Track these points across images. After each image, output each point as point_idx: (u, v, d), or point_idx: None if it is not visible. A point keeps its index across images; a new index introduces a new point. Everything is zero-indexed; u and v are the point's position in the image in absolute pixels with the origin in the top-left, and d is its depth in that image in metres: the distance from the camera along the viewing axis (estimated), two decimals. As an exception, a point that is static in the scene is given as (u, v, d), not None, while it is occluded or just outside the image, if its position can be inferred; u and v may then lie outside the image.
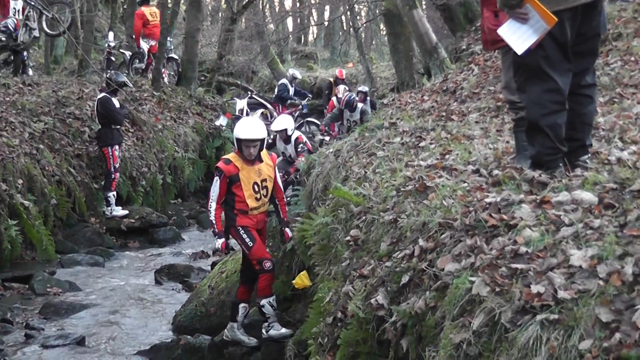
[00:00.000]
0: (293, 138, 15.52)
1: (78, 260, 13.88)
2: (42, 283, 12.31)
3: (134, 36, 23.48)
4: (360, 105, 19.64)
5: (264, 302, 9.08)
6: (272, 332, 8.99)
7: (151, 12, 23.15)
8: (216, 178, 9.17)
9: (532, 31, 5.24)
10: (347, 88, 21.20)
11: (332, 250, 7.30)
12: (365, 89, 22.30)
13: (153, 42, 22.99)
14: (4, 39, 18.35)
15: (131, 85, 16.56)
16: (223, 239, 9.22)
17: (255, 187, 9.15)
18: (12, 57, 20.44)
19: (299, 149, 15.29)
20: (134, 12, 23.93)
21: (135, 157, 17.57)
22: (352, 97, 19.74)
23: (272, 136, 15.43)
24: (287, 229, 9.38)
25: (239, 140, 9.07)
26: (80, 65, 22.88)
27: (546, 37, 5.24)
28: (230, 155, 9.31)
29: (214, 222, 9.18)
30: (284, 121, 15.83)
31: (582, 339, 3.33)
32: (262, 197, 9.22)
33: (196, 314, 10.41)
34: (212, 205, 9.18)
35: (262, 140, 9.14)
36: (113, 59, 23.36)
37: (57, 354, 9.54)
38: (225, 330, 9.29)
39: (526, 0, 5.21)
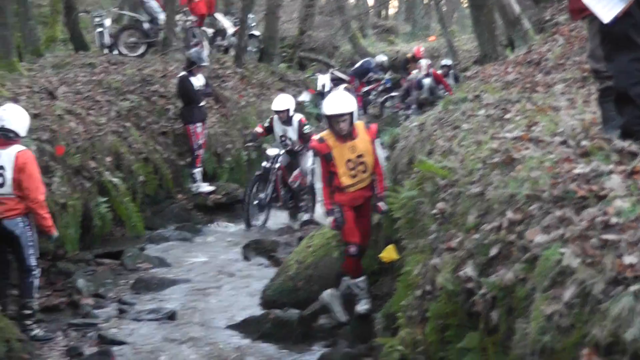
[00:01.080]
0: (295, 120, 14.76)
1: (166, 237, 14.12)
2: (133, 259, 12.60)
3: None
4: (426, 82, 19.45)
5: (349, 282, 9.18)
6: (357, 307, 9.09)
7: None
8: (315, 157, 9.23)
9: None
10: (429, 62, 20.92)
11: (419, 224, 7.31)
12: (449, 62, 22.14)
13: (194, 18, 22.88)
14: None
15: (207, 63, 16.56)
16: (332, 217, 9.29)
17: (350, 164, 9.12)
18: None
19: (305, 130, 14.60)
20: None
21: (219, 133, 17.78)
22: (419, 79, 19.58)
23: (269, 118, 15.22)
24: (380, 203, 9.21)
25: (327, 117, 9.11)
26: (164, 43, 23.12)
27: (634, 4, 5.15)
28: (324, 134, 9.32)
29: (322, 201, 9.26)
30: (286, 101, 14.91)
31: (676, 309, 3.31)
32: (360, 173, 9.17)
33: (284, 288, 10.51)
34: (318, 184, 9.31)
35: (351, 113, 9.07)
36: (195, 36, 23.50)
37: (149, 328, 9.74)
38: (325, 293, 9.39)
39: None
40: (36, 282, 9.27)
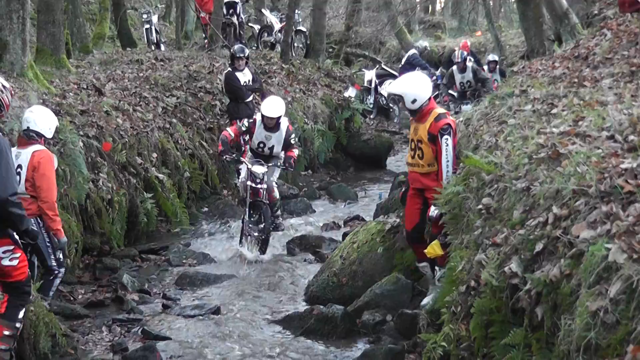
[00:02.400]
0: (283, 126, 12.71)
1: (212, 232, 14.16)
2: (178, 255, 12.66)
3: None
4: (469, 64, 19.25)
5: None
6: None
7: None
8: None
9: None
10: (465, 54, 20.57)
11: (464, 219, 7.28)
12: (495, 57, 21.92)
13: (203, 14, 22.86)
14: None
15: (246, 54, 16.41)
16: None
17: (412, 144, 9.12)
18: None
19: (291, 140, 12.81)
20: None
21: (266, 129, 17.78)
22: (464, 56, 19.34)
23: (250, 120, 13.12)
24: (432, 208, 8.74)
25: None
26: (210, 39, 23.24)
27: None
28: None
29: None
30: (280, 106, 12.61)
31: None
32: (417, 157, 9.03)
33: (328, 284, 10.51)
34: None
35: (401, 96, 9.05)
36: (242, 32, 23.61)
37: (194, 324, 9.77)
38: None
39: None
40: (57, 282, 9.34)
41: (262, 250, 12.59)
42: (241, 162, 12.91)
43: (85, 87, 14.53)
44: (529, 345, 4.77)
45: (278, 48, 23.91)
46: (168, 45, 26.13)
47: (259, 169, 12.42)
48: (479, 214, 6.67)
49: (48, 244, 8.99)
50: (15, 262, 6.98)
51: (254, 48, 23.98)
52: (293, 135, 12.87)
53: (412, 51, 24.36)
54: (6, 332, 7.07)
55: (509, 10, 46.60)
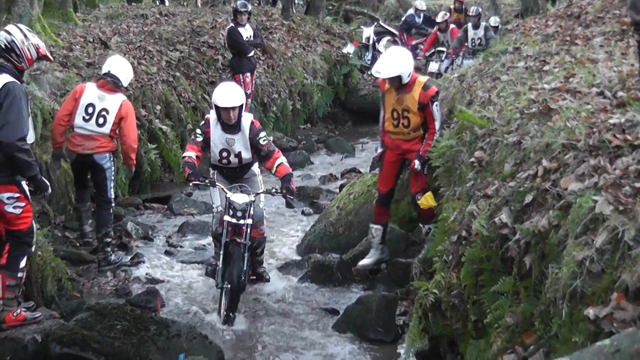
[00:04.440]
0: (246, 123, 8.61)
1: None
2: (180, 204, 12.69)
3: None
4: (483, 23, 19.02)
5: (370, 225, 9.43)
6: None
7: None
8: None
9: None
10: (479, 10, 20.18)
11: (457, 172, 7.28)
12: (497, 21, 21.38)
13: None
14: None
15: (247, 10, 16.28)
16: (380, 150, 9.44)
17: (395, 113, 8.87)
18: None
19: (261, 140, 8.57)
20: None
21: (266, 83, 17.75)
22: (479, 11, 19.08)
23: (200, 126, 8.76)
24: (415, 161, 8.79)
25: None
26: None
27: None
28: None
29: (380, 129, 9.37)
30: (239, 93, 8.50)
31: None
32: (402, 126, 8.85)
33: (325, 233, 10.55)
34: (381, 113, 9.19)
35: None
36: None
37: (194, 270, 9.85)
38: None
39: None
40: (112, 212, 9.89)
41: (229, 315, 8.17)
42: (215, 187, 8.73)
43: (91, 40, 14.47)
44: (517, 293, 4.79)
45: (279, 5, 23.78)
46: (172, 0, 25.95)
47: (240, 199, 8.34)
48: (471, 166, 6.67)
49: (112, 178, 9.73)
50: (18, 211, 6.94)
51: (256, 4, 23.84)
52: (263, 134, 8.65)
53: (410, 11, 24.22)
54: (9, 282, 7.08)
55: (505, -30, 46.22)
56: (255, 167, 8.97)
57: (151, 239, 11.09)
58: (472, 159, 6.67)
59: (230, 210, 8.26)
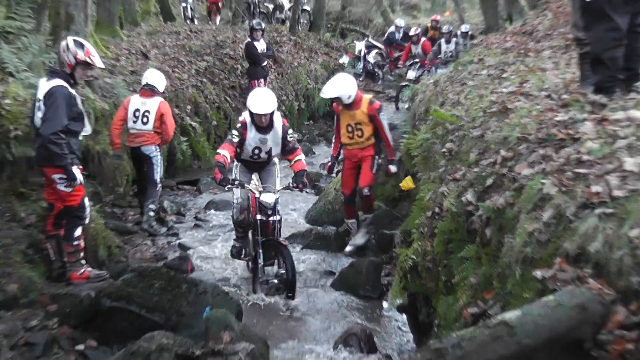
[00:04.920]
0: (278, 122, 7.97)
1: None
2: (206, 185, 12.76)
3: None
4: (454, 39, 18.89)
5: (346, 221, 9.53)
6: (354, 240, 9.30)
7: None
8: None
9: None
10: (451, 28, 20.02)
11: (431, 160, 7.29)
12: (468, 27, 21.13)
13: None
14: None
15: (261, 27, 16.25)
16: (328, 163, 9.70)
17: (349, 127, 8.84)
18: None
19: (289, 138, 8.02)
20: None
21: (276, 87, 17.74)
22: (450, 29, 18.91)
23: (237, 128, 7.95)
24: (390, 166, 8.92)
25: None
26: (234, 15, 23.08)
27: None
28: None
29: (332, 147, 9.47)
30: (272, 98, 7.74)
31: (632, 228, 3.27)
32: (356, 136, 8.82)
33: (324, 210, 10.59)
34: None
35: (338, 97, 8.63)
36: (262, 10, 23.55)
37: (219, 239, 9.87)
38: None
39: None
40: (158, 190, 10.13)
41: (291, 295, 7.59)
42: (245, 188, 8.01)
43: (134, 52, 14.41)
44: (479, 258, 4.80)
45: (287, 23, 23.70)
46: (200, 20, 25.83)
47: (269, 198, 7.84)
48: (443, 155, 6.68)
49: (159, 164, 9.98)
50: (69, 189, 6.89)
51: (267, 23, 23.79)
52: (291, 132, 8.08)
53: (391, 29, 24.09)
54: (69, 250, 7.10)
55: (472, -5, 46.06)
56: (275, 158, 8.45)
57: (183, 215, 11.11)
58: (444, 149, 6.68)
59: (261, 209, 7.80)
